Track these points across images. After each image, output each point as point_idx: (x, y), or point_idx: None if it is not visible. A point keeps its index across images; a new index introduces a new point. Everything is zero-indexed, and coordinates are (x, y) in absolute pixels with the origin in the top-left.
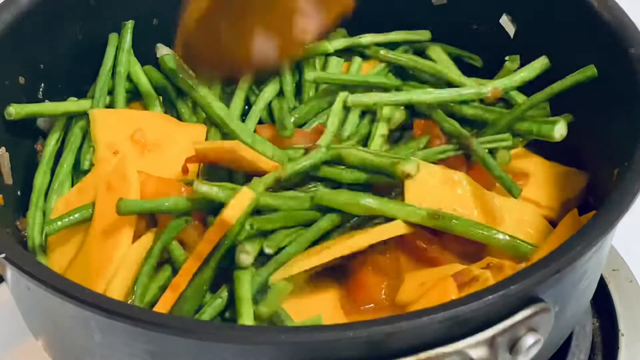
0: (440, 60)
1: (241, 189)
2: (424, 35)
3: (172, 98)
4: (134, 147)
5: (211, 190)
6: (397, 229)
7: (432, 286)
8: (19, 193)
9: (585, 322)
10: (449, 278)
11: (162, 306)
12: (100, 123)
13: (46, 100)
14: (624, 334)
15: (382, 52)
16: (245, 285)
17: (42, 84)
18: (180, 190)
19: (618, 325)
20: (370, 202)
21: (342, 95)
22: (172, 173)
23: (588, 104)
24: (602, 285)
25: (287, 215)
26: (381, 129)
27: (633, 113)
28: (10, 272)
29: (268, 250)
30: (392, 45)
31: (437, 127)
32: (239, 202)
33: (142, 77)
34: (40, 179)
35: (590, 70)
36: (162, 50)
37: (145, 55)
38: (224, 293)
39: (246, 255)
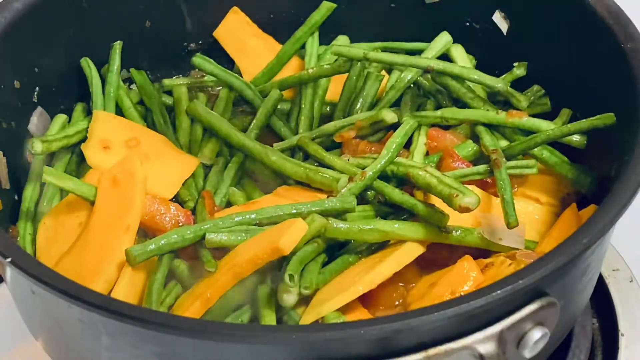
0: (461, 61)
1: (297, 219)
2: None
3: (158, 121)
4: (126, 151)
5: (223, 239)
6: (415, 251)
7: (447, 271)
8: (16, 197)
9: (585, 322)
10: (467, 256)
11: (190, 316)
12: (101, 122)
13: (39, 105)
14: (624, 334)
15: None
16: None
17: (37, 88)
18: (170, 210)
19: (618, 325)
20: (382, 227)
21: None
22: (153, 191)
23: (586, 98)
24: (602, 285)
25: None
26: (423, 138)
27: (631, 107)
28: (10, 274)
29: (305, 292)
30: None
31: (449, 140)
32: (295, 232)
33: (126, 101)
34: (30, 191)
35: (610, 119)
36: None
37: (136, 59)
38: (245, 316)
39: (289, 295)
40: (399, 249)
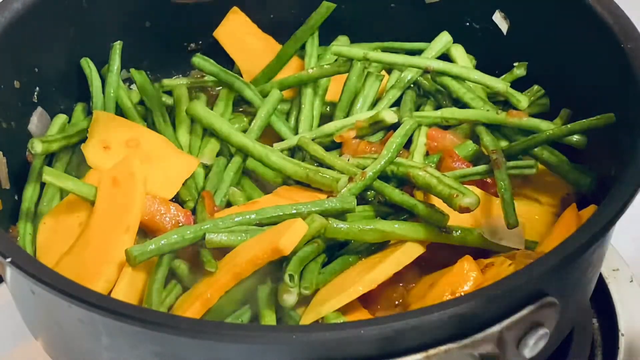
0: (461, 61)
1: (297, 220)
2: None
3: (158, 121)
4: (126, 151)
5: (223, 239)
6: (415, 251)
7: (447, 271)
8: (16, 197)
9: (585, 322)
10: (467, 257)
11: (190, 316)
12: (101, 122)
13: (39, 105)
14: (624, 334)
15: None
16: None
17: (37, 88)
18: (170, 210)
19: (618, 325)
20: (382, 227)
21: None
22: (153, 191)
23: (586, 99)
24: (602, 285)
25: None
26: (422, 138)
27: (631, 107)
28: (10, 274)
29: (305, 292)
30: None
31: (449, 140)
32: (295, 232)
33: (127, 101)
34: (30, 191)
35: (610, 119)
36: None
37: (136, 59)
38: (245, 316)
39: (289, 296)
40: (399, 249)
